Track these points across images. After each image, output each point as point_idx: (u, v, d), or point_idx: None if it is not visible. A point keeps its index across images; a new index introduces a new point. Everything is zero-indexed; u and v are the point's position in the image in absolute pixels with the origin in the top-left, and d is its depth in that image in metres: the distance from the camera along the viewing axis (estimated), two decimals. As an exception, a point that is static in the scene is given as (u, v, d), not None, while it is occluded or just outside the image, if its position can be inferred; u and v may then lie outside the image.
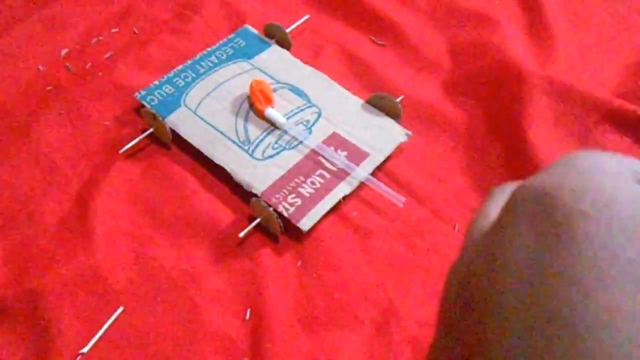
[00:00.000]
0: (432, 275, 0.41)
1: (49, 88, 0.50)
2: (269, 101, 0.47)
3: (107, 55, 0.53)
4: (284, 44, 0.55)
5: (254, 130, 0.47)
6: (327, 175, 0.44)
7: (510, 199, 0.16)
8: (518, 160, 0.47)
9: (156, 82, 0.49)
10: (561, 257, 0.14)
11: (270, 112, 0.47)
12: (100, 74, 0.52)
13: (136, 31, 0.56)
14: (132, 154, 0.46)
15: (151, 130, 0.46)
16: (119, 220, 0.42)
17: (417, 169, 0.47)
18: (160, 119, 0.46)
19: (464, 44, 0.56)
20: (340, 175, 0.44)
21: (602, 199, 0.14)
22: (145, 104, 0.47)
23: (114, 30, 0.56)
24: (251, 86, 0.48)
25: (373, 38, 0.58)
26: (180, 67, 0.51)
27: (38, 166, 0.45)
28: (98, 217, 0.42)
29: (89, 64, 0.52)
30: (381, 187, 0.43)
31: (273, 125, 0.47)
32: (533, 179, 0.16)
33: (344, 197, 0.43)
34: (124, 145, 0.45)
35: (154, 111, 0.46)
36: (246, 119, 0.47)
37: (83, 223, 0.41)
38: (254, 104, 0.48)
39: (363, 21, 0.59)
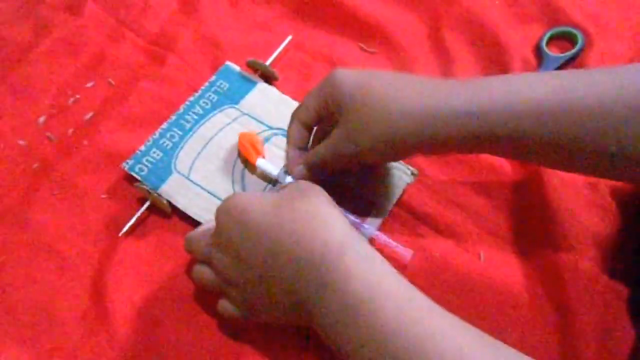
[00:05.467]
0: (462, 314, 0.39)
1: (35, 166, 0.48)
2: (258, 152, 0.45)
3: (87, 117, 0.50)
4: (269, 76, 0.51)
5: (254, 189, 0.45)
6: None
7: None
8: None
9: (142, 148, 0.47)
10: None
11: (261, 163, 0.45)
12: (85, 142, 0.49)
13: (112, 82, 0.52)
14: (135, 228, 0.45)
15: (148, 203, 0.45)
16: (137, 303, 0.42)
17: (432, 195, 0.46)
18: (155, 194, 0.44)
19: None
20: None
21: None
22: (135, 174, 0.45)
23: (88, 84, 0.52)
24: (239, 141, 0.46)
25: (362, 46, 0.54)
26: (164, 125, 0.48)
27: (46, 260, 0.44)
28: (117, 307, 0.41)
29: (70, 130, 0.50)
30: (389, 243, 0.42)
31: (271, 180, 0.45)
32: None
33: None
34: (124, 219, 0.44)
35: (146, 185, 0.44)
36: (243, 178, 0.46)
37: (103, 317, 0.41)
38: (247, 159, 0.46)
39: (350, 29, 0.54)
